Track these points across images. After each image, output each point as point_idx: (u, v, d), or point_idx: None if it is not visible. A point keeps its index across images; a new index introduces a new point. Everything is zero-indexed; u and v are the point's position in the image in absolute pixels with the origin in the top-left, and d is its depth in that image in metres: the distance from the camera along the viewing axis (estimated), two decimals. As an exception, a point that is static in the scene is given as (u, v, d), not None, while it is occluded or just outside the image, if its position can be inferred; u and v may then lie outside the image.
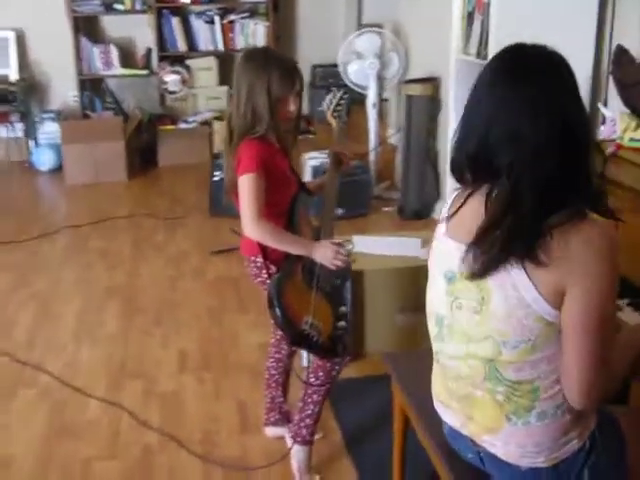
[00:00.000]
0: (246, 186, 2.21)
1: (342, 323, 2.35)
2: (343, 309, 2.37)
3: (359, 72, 5.45)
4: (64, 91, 6.76)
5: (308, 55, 7.00)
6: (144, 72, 6.75)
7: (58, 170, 6.27)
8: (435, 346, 1.67)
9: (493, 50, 2.97)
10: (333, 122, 2.52)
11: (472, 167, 1.51)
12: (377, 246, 3.35)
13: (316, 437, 2.61)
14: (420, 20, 5.39)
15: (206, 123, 6.75)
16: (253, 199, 2.20)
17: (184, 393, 3.01)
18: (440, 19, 4.46)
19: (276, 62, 2.27)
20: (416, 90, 4.86)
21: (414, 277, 3.17)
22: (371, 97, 5.46)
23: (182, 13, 6.71)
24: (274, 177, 2.26)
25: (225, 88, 6.91)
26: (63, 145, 6.05)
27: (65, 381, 3.10)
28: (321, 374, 2.40)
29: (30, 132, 6.61)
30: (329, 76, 7.28)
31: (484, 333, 1.50)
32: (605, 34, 3.31)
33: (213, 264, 4.36)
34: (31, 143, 6.62)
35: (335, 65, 5.70)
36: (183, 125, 6.73)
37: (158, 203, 5.57)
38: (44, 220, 5.23)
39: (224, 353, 3.32)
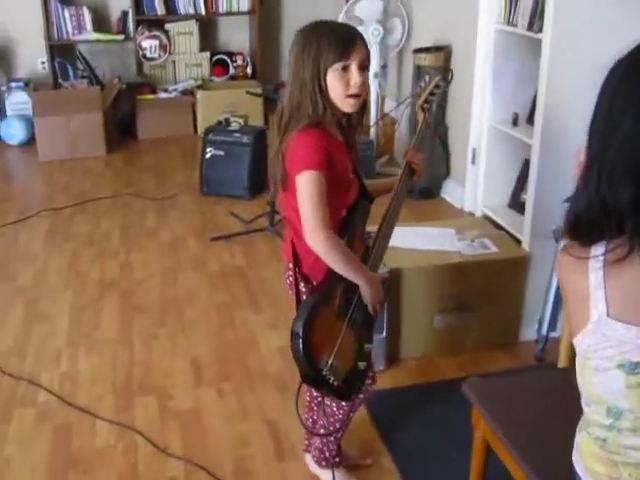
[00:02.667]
0: (308, 186, 1.79)
1: (363, 364, 1.97)
2: (368, 347, 1.99)
3: (359, 39, 5.06)
4: (32, 58, 6.25)
5: (297, 19, 6.55)
6: (119, 37, 6.26)
7: (29, 144, 5.80)
8: (601, 433, 1.34)
9: (550, 22, 2.63)
10: (421, 116, 2.08)
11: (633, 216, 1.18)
12: (410, 238, 3.02)
13: (368, 462, 2.39)
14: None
15: (188, 92, 6.31)
16: (318, 203, 1.79)
17: (205, 410, 2.67)
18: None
19: (326, 28, 1.85)
20: (427, 60, 4.50)
21: (455, 275, 2.88)
22: (373, 66, 5.06)
23: (160, -28, 6.20)
24: (334, 177, 1.85)
25: (206, 54, 6.47)
26: (35, 117, 5.56)
27: (66, 399, 2.73)
28: (332, 420, 2.17)
29: (-4, 102, 6.10)
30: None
31: None
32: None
33: (214, 252, 3.99)
34: (-2, 115, 6.11)
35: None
36: (163, 94, 6.28)
37: (143, 181, 5.16)
38: (19, 202, 4.78)
39: (242, 359, 2.98)
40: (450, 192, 4.70)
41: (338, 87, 1.80)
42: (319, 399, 2.28)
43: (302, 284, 1.97)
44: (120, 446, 2.49)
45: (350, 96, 1.82)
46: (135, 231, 4.28)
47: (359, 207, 1.99)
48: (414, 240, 3.01)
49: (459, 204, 4.54)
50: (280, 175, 1.88)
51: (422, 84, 2.07)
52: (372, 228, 2.08)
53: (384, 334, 2.81)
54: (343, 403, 2.11)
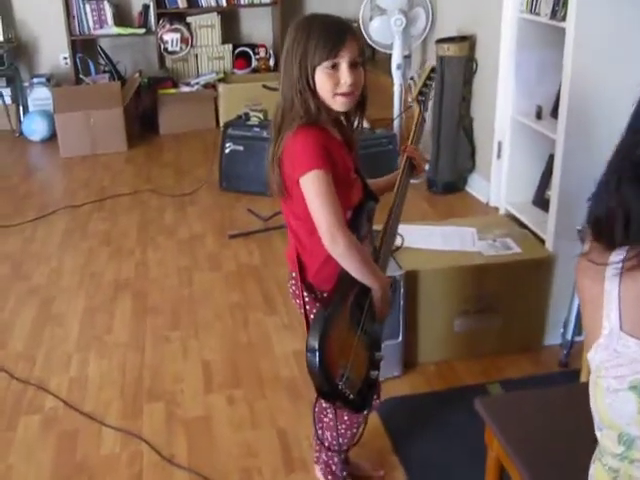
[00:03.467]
0: (315, 186, 1.67)
1: (375, 373, 1.88)
2: (380, 355, 1.90)
3: (382, 29, 4.93)
4: (54, 53, 6.23)
5: (319, 9, 6.42)
6: (141, 31, 6.21)
7: (51, 140, 5.78)
8: (614, 463, 1.22)
9: (574, 10, 2.48)
10: (416, 108, 1.92)
11: None
12: (428, 238, 2.90)
13: (380, 474, 2.29)
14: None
15: (210, 85, 6.23)
16: (329, 201, 1.66)
17: (213, 418, 2.58)
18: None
19: (316, 24, 1.70)
20: (450, 50, 4.35)
21: (476, 276, 2.75)
22: (395, 57, 4.94)
23: (181, -35, 6.13)
24: (336, 177, 1.71)
25: (229, 47, 6.38)
26: (56, 114, 5.53)
27: (73, 404, 2.67)
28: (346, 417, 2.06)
29: (19, 98, 6.08)
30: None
31: None
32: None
33: (232, 250, 3.90)
34: (21, 111, 6.10)
35: (354, 21, 5.16)
36: (185, 88, 6.21)
37: (163, 177, 5.10)
38: (39, 199, 4.75)
39: (255, 364, 2.89)
40: (475, 186, 4.56)
41: (326, 86, 1.69)
42: (327, 410, 2.19)
43: (306, 293, 1.87)
44: (125, 454, 2.42)
45: (339, 94, 1.70)
46: (153, 229, 4.22)
47: (365, 208, 1.88)
48: (433, 240, 2.88)
49: (484, 199, 4.40)
50: (278, 182, 1.76)
51: (414, 75, 1.88)
52: (376, 227, 1.97)
53: (400, 338, 2.70)
54: (345, 418, 2.02)
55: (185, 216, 4.38)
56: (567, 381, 2.67)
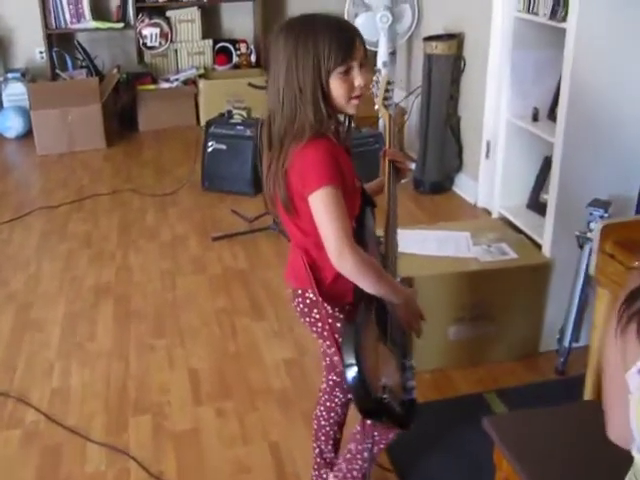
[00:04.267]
0: (325, 204, 1.59)
1: (412, 383, 1.83)
2: (413, 364, 1.85)
3: (367, 26, 4.83)
4: (30, 47, 6.05)
5: (301, 5, 6.33)
6: (119, 25, 6.05)
7: (26, 137, 5.62)
8: None
9: (576, 11, 2.41)
10: (385, 113, 1.84)
11: None
12: (422, 244, 2.82)
13: None
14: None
15: (190, 82, 6.10)
16: (339, 219, 1.58)
17: (203, 432, 2.48)
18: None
19: (322, 26, 1.61)
20: (438, 48, 4.28)
21: (471, 283, 2.68)
22: (381, 54, 4.86)
23: (161, -43, 5.98)
24: (344, 190, 1.63)
25: (209, 42, 6.26)
26: (32, 111, 5.38)
27: (55, 418, 2.55)
28: (350, 467, 1.99)
29: (-7, 94, 5.91)
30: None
31: None
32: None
33: (215, 253, 3.80)
34: (-5, 107, 5.93)
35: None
36: (165, 84, 6.07)
37: (143, 176, 4.97)
38: (15, 199, 4.61)
39: (244, 374, 2.79)
40: (463, 186, 4.50)
41: (341, 91, 1.62)
42: (326, 428, 2.10)
43: (329, 307, 1.77)
44: (111, 472, 2.31)
45: (353, 97, 1.65)
46: (134, 230, 4.10)
47: (367, 216, 1.82)
48: (427, 245, 2.81)
49: (472, 199, 4.34)
50: (284, 198, 1.66)
51: (375, 78, 1.84)
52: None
53: (395, 347, 2.63)
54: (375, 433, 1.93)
55: (167, 217, 4.27)
56: (565, 389, 2.62)
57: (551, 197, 2.71)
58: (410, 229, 2.93)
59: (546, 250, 2.76)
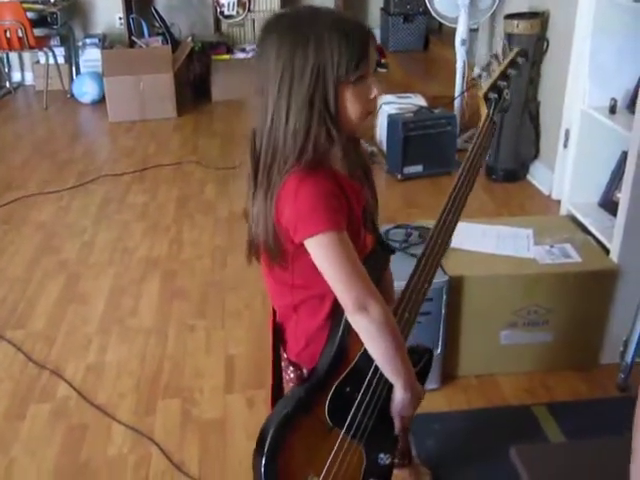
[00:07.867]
0: (331, 251, 1.27)
1: None
2: (385, 458, 1.47)
3: (448, 1, 4.60)
4: (110, 13, 6.07)
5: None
6: (198, -7, 5.99)
7: (101, 103, 5.64)
8: None
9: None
10: (483, 109, 1.42)
11: None
12: (480, 239, 2.63)
13: None
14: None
15: (266, 53, 5.99)
16: (353, 265, 1.28)
17: (230, 422, 2.39)
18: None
19: (328, 21, 1.26)
20: (520, 27, 4.00)
21: (528, 286, 2.47)
22: (460, 31, 4.61)
23: None
24: (350, 226, 1.32)
25: (288, 13, 6.11)
26: (105, 77, 5.38)
27: (86, 394, 2.52)
28: None
29: (72, 58, 5.97)
30: (407, 1, 6.42)
31: None
32: None
33: (270, 233, 3.69)
34: (73, 71, 5.99)
35: None
36: (240, 54, 6.00)
37: (210, 147, 4.91)
38: (81, 165, 4.63)
39: (281, 363, 2.68)
40: (538, 176, 4.23)
41: (356, 105, 1.30)
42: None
43: (291, 369, 1.57)
44: (133, 457, 2.25)
45: (369, 112, 1.33)
46: (191, 204, 4.04)
47: (377, 260, 1.44)
48: (484, 242, 2.61)
49: (547, 190, 4.08)
50: (273, 244, 1.33)
51: (493, 55, 1.35)
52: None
53: (439, 349, 2.46)
54: None
55: (226, 193, 4.18)
56: (627, 408, 2.39)
57: (624, 195, 2.46)
58: (470, 222, 2.73)
59: (614, 255, 2.51)
